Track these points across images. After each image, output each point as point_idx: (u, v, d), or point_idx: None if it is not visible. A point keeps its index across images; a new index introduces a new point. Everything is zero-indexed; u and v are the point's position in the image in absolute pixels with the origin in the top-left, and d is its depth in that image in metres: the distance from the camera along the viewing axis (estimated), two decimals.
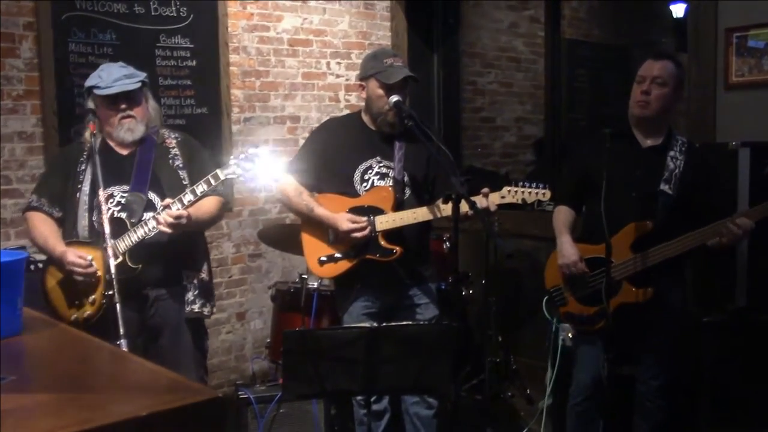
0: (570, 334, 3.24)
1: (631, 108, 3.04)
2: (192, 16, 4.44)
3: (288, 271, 4.91)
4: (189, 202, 2.84)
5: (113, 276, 2.69)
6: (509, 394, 4.46)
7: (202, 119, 4.52)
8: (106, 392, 1.40)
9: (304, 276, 3.93)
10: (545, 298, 3.23)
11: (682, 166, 3.00)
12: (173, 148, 3.11)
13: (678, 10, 6.95)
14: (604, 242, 3.00)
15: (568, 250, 3.12)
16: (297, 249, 4.11)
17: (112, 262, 2.71)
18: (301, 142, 4.94)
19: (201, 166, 3.10)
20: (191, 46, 4.45)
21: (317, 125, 4.94)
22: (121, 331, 2.59)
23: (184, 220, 2.83)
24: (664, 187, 2.99)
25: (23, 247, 3.73)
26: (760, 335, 3.25)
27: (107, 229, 2.75)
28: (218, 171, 2.85)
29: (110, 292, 2.70)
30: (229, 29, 4.60)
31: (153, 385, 1.42)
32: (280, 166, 3.23)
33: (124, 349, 2.53)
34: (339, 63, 5.18)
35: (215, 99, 4.57)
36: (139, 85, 2.99)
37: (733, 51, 3.81)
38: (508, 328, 4.67)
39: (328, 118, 5.03)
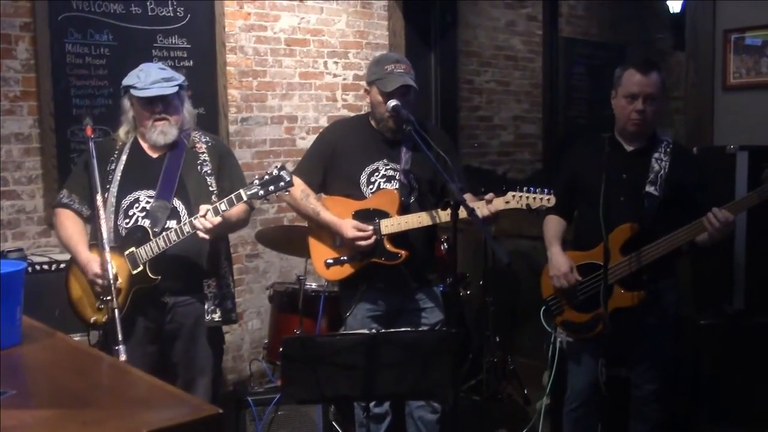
0: (567, 338, 3.24)
1: (624, 124, 3.00)
2: (189, 16, 4.42)
3: (286, 271, 4.91)
4: (223, 211, 2.81)
5: (112, 281, 2.67)
6: (507, 394, 4.46)
7: (200, 119, 4.43)
8: (106, 408, 1.39)
9: (302, 277, 3.93)
10: (542, 308, 3.23)
11: (668, 167, 2.99)
12: (203, 153, 3.07)
13: (675, 6, 6.96)
14: (595, 248, 3.02)
15: (558, 261, 3.12)
16: (295, 250, 4.13)
17: (111, 268, 2.69)
18: (299, 142, 4.97)
19: (229, 174, 3.09)
20: (188, 46, 4.44)
21: (315, 125, 5.00)
22: (119, 337, 2.58)
23: (218, 228, 2.83)
24: (649, 188, 2.98)
25: (20, 249, 3.73)
26: (757, 338, 3.26)
27: (105, 234, 2.73)
28: (242, 191, 2.79)
29: (108, 298, 2.69)
30: (226, 29, 4.59)
31: (154, 400, 1.42)
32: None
33: (122, 355, 2.52)
34: (336, 62, 5.16)
35: (212, 99, 4.56)
36: (176, 89, 2.96)
37: (731, 49, 3.81)
38: (506, 328, 4.67)
39: (326, 117, 5.09)
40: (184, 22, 4.41)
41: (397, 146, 3.17)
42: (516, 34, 6.55)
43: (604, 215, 2.81)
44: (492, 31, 6.40)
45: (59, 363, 1.69)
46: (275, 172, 2.81)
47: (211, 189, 3.02)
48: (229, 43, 4.61)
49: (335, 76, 5.17)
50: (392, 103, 3.00)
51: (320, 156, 3.24)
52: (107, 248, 2.73)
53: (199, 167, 3.04)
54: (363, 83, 3.25)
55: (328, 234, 3.17)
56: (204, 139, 3.13)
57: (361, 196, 3.15)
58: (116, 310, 2.64)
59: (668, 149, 3.03)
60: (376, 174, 3.16)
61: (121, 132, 3.05)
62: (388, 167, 3.16)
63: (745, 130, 3.70)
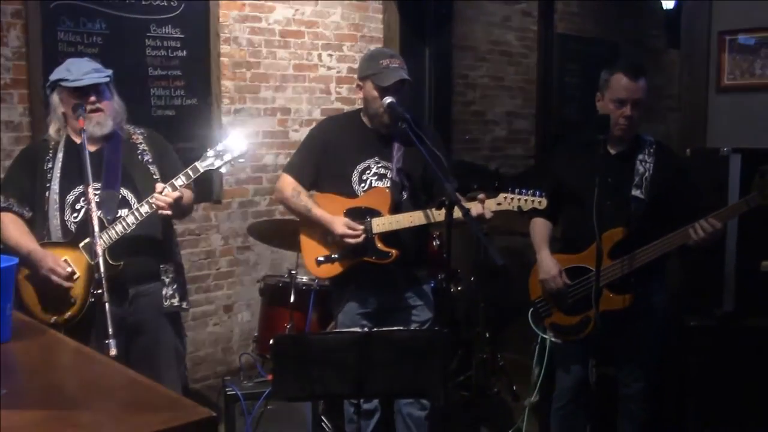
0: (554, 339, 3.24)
1: (611, 128, 2.96)
2: (183, 5, 4.38)
3: (277, 263, 4.90)
4: (181, 185, 2.85)
5: (102, 275, 2.65)
6: (495, 390, 4.48)
7: (192, 110, 4.48)
8: (99, 410, 1.38)
9: (293, 271, 3.92)
10: (530, 311, 3.23)
11: (652, 168, 3.01)
12: (140, 143, 3.07)
13: (668, 3, 6.97)
14: (583, 252, 3.04)
15: (548, 265, 3.13)
16: (286, 244, 4.12)
17: (101, 261, 2.67)
18: (292, 134, 4.95)
19: (171, 161, 3.10)
20: (182, 36, 4.40)
21: (308, 117, 4.98)
22: (110, 331, 2.56)
23: (177, 203, 2.85)
24: (635, 192, 3.00)
25: None
26: (746, 340, 3.27)
27: (96, 226, 2.71)
28: (197, 164, 2.83)
29: (99, 291, 2.67)
30: (221, 19, 4.55)
31: (148, 402, 1.41)
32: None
33: (113, 350, 2.50)
34: (330, 55, 5.14)
35: (205, 90, 4.53)
36: (108, 79, 2.96)
37: (726, 48, 3.81)
38: (496, 324, 4.68)
39: (320, 110, 5.07)
40: (178, 12, 4.37)
41: (389, 143, 3.16)
42: (511, 29, 6.54)
43: (597, 219, 2.81)
44: (487, 26, 6.38)
45: (51, 361, 1.68)
46: (228, 142, 2.85)
47: (155, 177, 3.01)
48: (223, 33, 4.58)
49: (329, 68, 5.14)
50: (387, 100, 2.98)
51: (311, 154, 3.23)
52: (98, 241, 2.70)
53: (139, 156, 3.04)
54: (357, 76, 3.22)
55: (320, 231, 3.16)
56: (139, 131, 3.12)
57: (353, 194, 3.14)
58: (107, 304, 2.62)
59: (652, 150, 3.05)
60: (368, 172, 3.15)
61: (52, 130, 3.00)
62: (379, 165, 3.15)
63: (738, 132, 3.72)
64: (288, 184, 3.20)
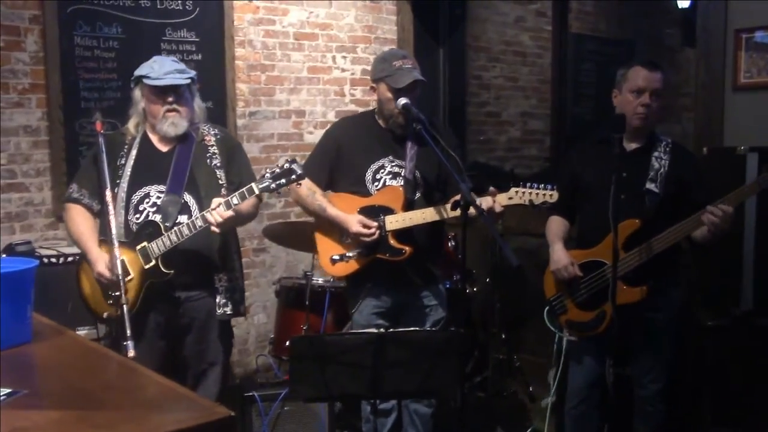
0: (570, 337, 3.24)
1: (629, 120, 2.97)
2: (198, 9, 4.42)
3: (292, 265, 4.92)
4: (235, 205, 2.83)
5: (119, 276, 2.68)
6: (512, 391, 4.47)
7: (208, 113, 4.46)
8: (118, 410, 1.39)
9: (308, 273, 3.93)
10: (546, 309, 3.23)
11: (667, 165, 3.01)
12: (212, 146, 3.08)
13: (683, 1, 6.93)
14: (597, 246, 3.05)
15: (558, 256, 3.15)
16: (302, 246, 4.13)
17: (119, 263, 2.70)
18: (306, 136, 4.97)
19: (239, 167, 3.11)
20: (197, 39, 4.43)
21: (323, 120, 5.00)
22: (128, 332, 2.58)
23: (230, 221, 2.86)
24: (650, 186, 3.00)
25: (29, 242, 3.74)
26: (765, 340, 3.25)
27: (114, 230, 2.73)
28: (253, 185, 2.80)
29: (117, 293, 2.70)
30: (235, 23, 4.58)
31: (166, 402, 1.42)
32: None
33: (131, 351, 2.52)
34: (345, 57, 5.15)
35: (220, 93, 4.55)
36: (189, 81, 2.98)
37: (743, 46, 3.79)
38: (512, 324, 4.67)
39: (334, 112, 5.08)
40: (193, 16, 4.40)
41: (403, 142, 3.18)
42: (525, 29, 6.53)
43: (613, 213, 2.81)
44: (501, 26, 6.38)
45: (70, 362, 1.70)
46: (286, 165, 2.83)
47: (220, 182, 3.03)
48: (237, 36, 4.60)
49: (343, 70, 5.16)
50: (402, 101, 3.00)
51: (325, 154, 3.25)
52: (116, 243, 2.73)
53: (208, 160, 3.05)
54: (371, 78, 3.23)
55: (335, 230, 3.18)
56: (213, 132, 3.13)
57: (366, 193, 3.16)
58: (124, 306, 2.65)
59: (668, 148, 3.05)
60: (382, 171, 3.17)
61: (131, 125, 3.04)
62: (393, 164, 3.17)
63: (755, 130, 3.68)
64: (303, 184, 3.21)
